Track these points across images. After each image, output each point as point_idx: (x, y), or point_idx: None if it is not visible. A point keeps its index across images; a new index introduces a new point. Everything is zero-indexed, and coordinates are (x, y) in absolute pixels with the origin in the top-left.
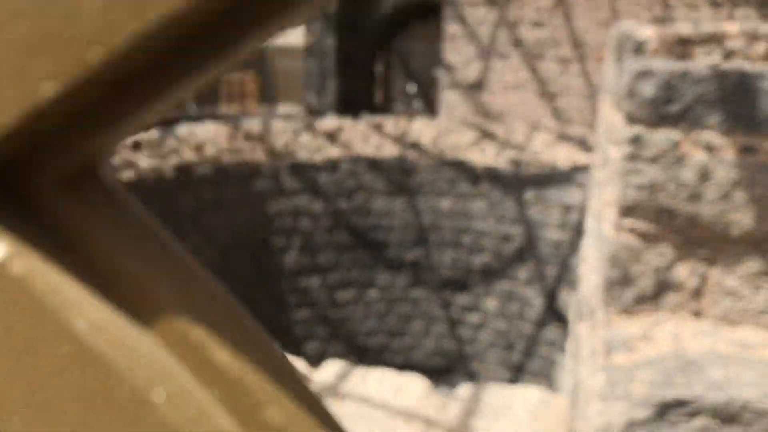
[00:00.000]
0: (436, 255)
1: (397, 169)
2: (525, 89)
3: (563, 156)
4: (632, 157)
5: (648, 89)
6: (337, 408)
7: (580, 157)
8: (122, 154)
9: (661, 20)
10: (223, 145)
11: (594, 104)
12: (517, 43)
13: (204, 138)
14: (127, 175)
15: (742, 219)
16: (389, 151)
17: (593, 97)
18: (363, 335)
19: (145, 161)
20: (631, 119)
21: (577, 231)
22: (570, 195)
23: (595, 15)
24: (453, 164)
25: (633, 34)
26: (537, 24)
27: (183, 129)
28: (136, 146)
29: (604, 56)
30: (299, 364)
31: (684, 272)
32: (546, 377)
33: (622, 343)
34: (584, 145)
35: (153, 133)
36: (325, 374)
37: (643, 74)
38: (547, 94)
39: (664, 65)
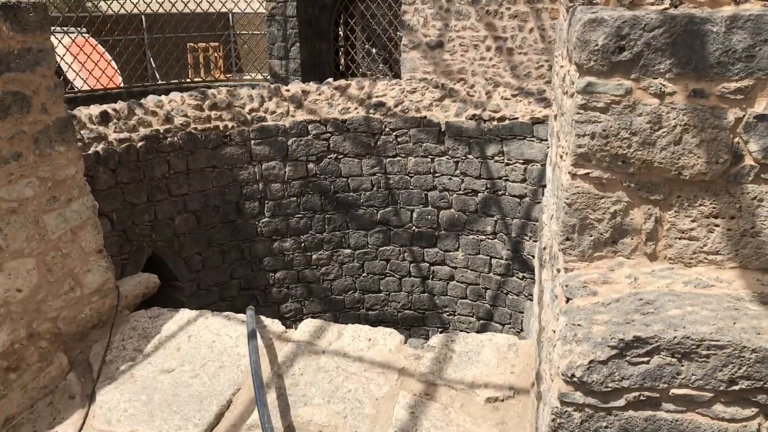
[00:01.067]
0: (405, 212)
1: (364, 131)
2: (483, 47)
3: (523, 110)
4: (585, 107)
5: (599, 38)
6: (314, 363)
7: (539, 111)
8: (91, 127)
9: None
10: (191, 114)
11: (549, 58)
12: (474, 1)
13: (172, 108)
14: (97, 147)
15: (694, 162)
16: (355, 113)
17: (549, 51)
18: (338, 293)
19: (114, 133)
20: (583, 69)
21: (539, 183)
22: (531, 148)
23: None
24: (417, 123)
25: None
26: None
27: (150, 99)
28: (105, 118)
29: (559, 12)
30: (276, 324)
31: (639, 217)
32: (514, 324)
33: (582, 287)
34: (542, 99)
35: (121, 105)
36: (301, 332)
37: (594, 23)
38: (504, 50)
39: (614, 13)
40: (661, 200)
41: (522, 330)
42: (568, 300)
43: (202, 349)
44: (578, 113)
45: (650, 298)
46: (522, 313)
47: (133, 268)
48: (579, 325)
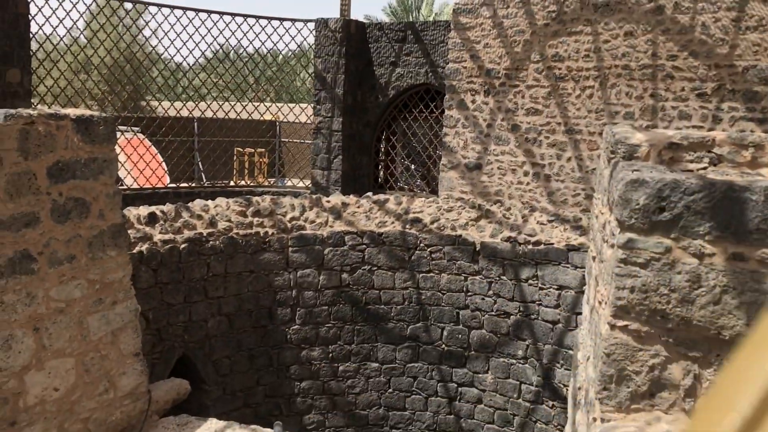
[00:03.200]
0: (435, 329)
1: (399, 245)
2: (521, 171)
3: (558, 236)
4: (625, 261)
5: (640, 197)
6: None
7: (574, 239)
8: (138, 227)
9: (650, 111)
10: (235, 219)
11: (586, 187)
12: (514, 128)
13: (217, 212)
14: (142, 247)
15: (734, 323)
16: (391, 227)
17: (586, 180)
18: (362, 407)
19: (159, 234)
20: (624, 225)
21: (573, 310)
22: (565, 275)
23: (587, 104)
24: (452, 241)
25: (626, 139)
26: (533, 111)
27: (197, 203)
28: (152, 219)
29: (596, 143)
30: None
31: (677, 372)
32: None
33: None
34: (578, 227)
35: (168, 207)
36: None
37: (636, 183)
38: (542, 176)
39: (655, 175)
40: (700, 357)
41: None
42: None
43: None
44: (618, 266)
45: None
46: None
47: (163, 368)
48: None
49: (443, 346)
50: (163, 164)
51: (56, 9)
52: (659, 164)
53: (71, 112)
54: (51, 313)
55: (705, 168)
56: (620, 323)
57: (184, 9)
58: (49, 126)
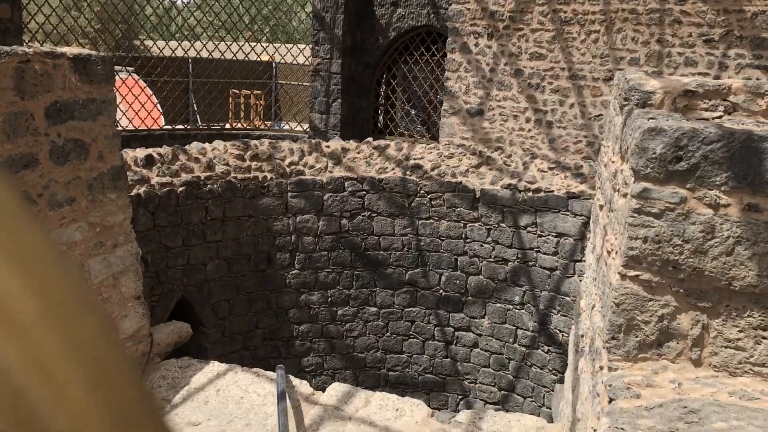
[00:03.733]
0: (434, 275)
1: (399, 191)
2: (523, 118)
3: (559, 184)
4: (639, 211)
5: (657, 147)
6: (340, 429)
7: (575, 186)
8: (135, 169)
9: (656, 57)
10: (233, 163)
11: (588, 134)
12: (517, 73)
13: (214, 155)
14: (140, 189)
15: (745, 274)
16: (392, 173)
17: (588, 127)
18: (360, 350)
19: (156, 177)
20: (639, 175)
21: (571, 258)
22: (564, 222)
23: (592, 49)
24: (452, 188)
25: (640, 86)
26: (536, 55)
27: (194, 146)
28: (149, 162)
29: (600, 89)
30: (305, 386)
31: (686, 322)
32: (536, 398)
33: (625, 388)
34: (579, 174)
35: (166, 150)
36: (329, 396)
37: (653, 131)
38: (544, 123)
39: (673, 124)
40: (710, 308)
41: (543, 405)
42: (611, 400)
43: (230, 404)
44: (632, 216)
45: (695, 406)
46: (545, 387)
47: (163, 311)
48: (622, 429)
49: (441, 291)
50: (158, 105)
51: None
52: (674, 112)
53: (68, 50)
54: None
55: (720, 117)
56: (631, 273)
57: None
58: (46, 65)
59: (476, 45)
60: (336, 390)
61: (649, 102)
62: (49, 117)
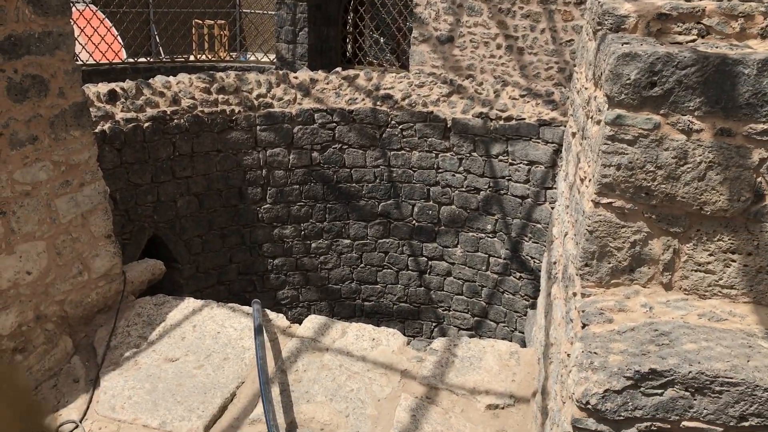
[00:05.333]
0: (406, 206)
1: (370, 123)
2: (494, 44)
3: (530, 112)
4: (613, 138)
5: (632, 72)
6: (317, 360)
7: (546, 113)
8: (98, 105)
9: None
10: (199, 97)
11: (559, 60)
12: None
13: (180, 89)
14: (104, 126)
15: (716, 198)
16: (362, 104)
17: (560, 53)
18: (335, 282)
19: (121, 113)
20: (613, 101)
21: (542, 185)
22: (536, 150)
23: None
24: (423, 118)
25: (614, 10)
26: None
27: (159, 80)
28: (113, 97)
29: (572, 13)
30: (281, 319)
31: (658, 247)
32: (508, 323)
33: (598, 314)
34: (551, 101)
35: (129, 84)
36: (306, 329)
37: (627, 57)
38: (515, 49)
39: (648, 48)
40: (681, 233)
41: (515, 330)
42: (584, 326)
43: (207, 339)
44: (606, 144)
45: (665, 329)
46: (517, 312)
47: (134, 249)
48: (595, 353)
49: (414, 222)
50: (119, 38)
51: None
52: (648, 36)
53: None
54: (17, 197)
55: (694, 40)
56: (604, 201)
57: None
58: None
59: None
60: (312, 322)
61: (622, 26)
62: (4, 52)
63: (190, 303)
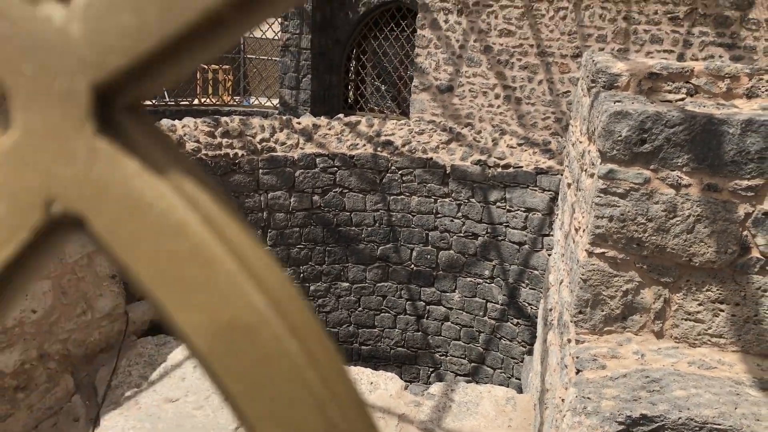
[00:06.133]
0: (405, 250)
1: (370, 167)
2: (492, 94)
3: (527, 160)
4: (605, 191)
5: (623, 129)
6: None
7: (543, 162)
8: None
9: (623, 34)
10: (203, 140)
11: (556, 110)
12: (486, 49)
13: (185, 132)
14: None
15: (704, 250)
16: (363, 149)
17: (557, 104)
18: (332, 325)
19: None
20: (606, 156)
21: (539, 232)
22: (533, 197)
23: (560, 26)
24: (423, 164)
25: (607, 69)
26: (505, 32)
27: (165, 123)
28: None
29: (569, 66)
30: None
31: (649, 296)
32: (505, 369)
33: (592, 360)
34: (547, 150)
35: None
36: None
37: (619, 115)
38: (513, 99)
39: (638, 107)
40: (671, 283)
41: (512, 376)
42: (578, 371)
43: (207, 380)
44: (599, 196)
45: (656, 376)
46: (514, 358)
47: (137, 289)
48: (588, 398)
49: (412, 266)
50: None
51: None
52: (639, 94)
53: None
54: None
55: (683, 99)
56: (597, 250)
57: None
58: None
59: (446, 21)
60: None
61: (615, 84)
62: None
63: None
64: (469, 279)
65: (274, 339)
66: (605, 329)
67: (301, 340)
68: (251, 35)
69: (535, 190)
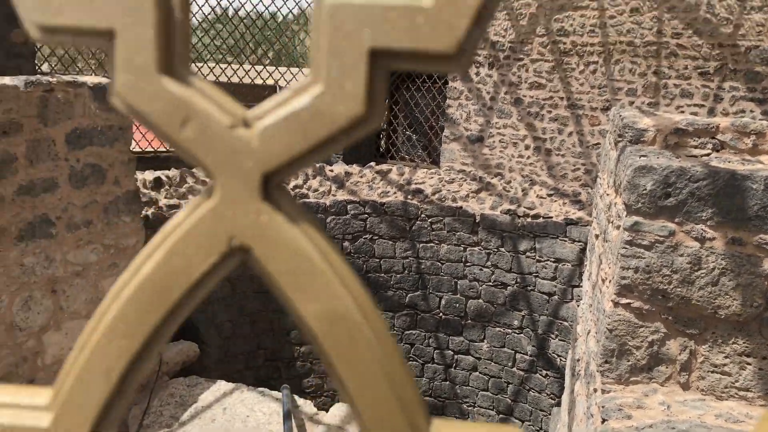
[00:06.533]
0: (434, 298)
1: (400, 215)
2: (522, 145)
3: (557, 210)
4: (631, 243)
5: (648, 183)
6: None
7: (573, 213)
8: (144, 191)
9: (653, 88)
10: None
11: (586, 162)
12: (517, 101)
13: None
14: (148, 211)
15: (730, 303)
16: (393, 197)
17: (587, 155)
18: None
19: (164, 199)
20: (631, 209)
21: (569, 283)
22: (563, 248)
23: (590, 79)
24: (453, 212)
25: (634, 124)
26: (536, 85)
27: (201, 169)
28: (158, 184)
29: (598, 118)
30: (308, 405)
31: (675, 347)
32: (534, 422)
33: (617, 410)
34: (577, 201)
35: (173, 173)
36: (332, 416)
37: (644, 169)
38: (543, 150)
39: (663, 162)
40: (697, 334)
41: (540, 429)
42: (603, 421)
43: (236, 423)
44: (624, 248)
45: (683, 428)
46: (543, 411)
47: None
48: None
49: (441, 314)
50: None
51: None
52: (665, 149)
53: (89, 79)
54: (68, 276)
55: (708, 154)
56: (623, 301)
57: None
58: (68, 93)
59: (477, 74)
60: (339, 410)
61: (641, 139)
62: (70, 143)
63: (221, 386)
64: (498, 329)
65: (358, 325)
66: (631, 379)
67: (374, 328)
68: (286, 85)
69: (565, 241)
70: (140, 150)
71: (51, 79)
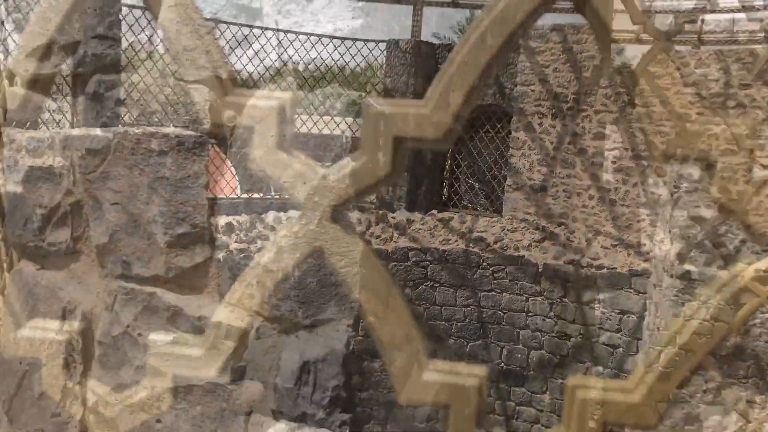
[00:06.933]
0: (495, 348)
1: (462, 263)
2: (586, 195)
3: (621, 261)
4: (682, 291)
5: (698, 234)
6: None
7: (637, 264)
8: (216, 235)
9: None
10: None
11: (651, 213)
12: (581, 152)
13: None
14: (219, 255)
15: None
16: (455, 245)
17: (651, 206)
18: (420, 421)
19: (235, 243)
20: (683, 257)
21: (634, 336)
22: (627, 299)
23: (657, 130)
24: (515, 261)
25: (689, 176)
26: (600, 136)
27: (271, 215)
28: (229, 229)
29: (664, 169)
30: None
31: (731, 397)
32: None
33: None
34: (641, 252)
35: (244, 218)
36: None
37: (695, 220)
38: (607, 200)
39: (713, 213)
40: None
41: None
42: None
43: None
44: (676, 296)
45: None
46: None
47: None
48: None
49: (502, 364)
50: (236, 175)
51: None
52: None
53: (171, 131)
54: None
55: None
56: None
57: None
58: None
59: (540, 124)
60: None
61: (699, 189)
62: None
63: (283, 425)
64: (560, 381)
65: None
66: (686, 428)
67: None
68: (355, 135)
69: (630, 292)
70: (212, 196)
71: (137, 130)
